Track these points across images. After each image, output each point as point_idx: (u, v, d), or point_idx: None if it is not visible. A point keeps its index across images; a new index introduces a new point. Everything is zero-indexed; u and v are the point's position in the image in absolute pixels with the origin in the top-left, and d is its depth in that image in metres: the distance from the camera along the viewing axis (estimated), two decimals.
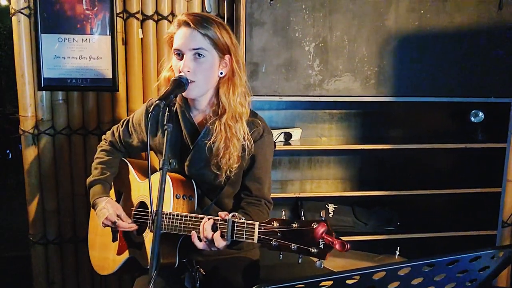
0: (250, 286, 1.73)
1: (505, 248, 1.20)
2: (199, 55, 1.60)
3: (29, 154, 2.56)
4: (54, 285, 2.71)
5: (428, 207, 2.85)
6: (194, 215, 1.57)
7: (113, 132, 1.95)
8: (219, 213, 1.51)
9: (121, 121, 1.95)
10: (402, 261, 1.18)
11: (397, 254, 2.01)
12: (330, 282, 1.09)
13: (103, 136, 1.99)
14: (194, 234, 1.54)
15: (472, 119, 2.71)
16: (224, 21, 2.48)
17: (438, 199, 2.83)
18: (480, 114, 2.69)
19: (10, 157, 6.15)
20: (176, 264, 1.69)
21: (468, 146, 2.62)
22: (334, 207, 2.69)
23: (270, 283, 1.05)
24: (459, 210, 2.85)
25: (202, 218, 1.54)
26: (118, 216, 1.76)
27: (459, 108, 2.76)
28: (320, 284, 1.09)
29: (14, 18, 2.42)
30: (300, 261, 1.35)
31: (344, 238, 2.60)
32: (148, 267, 1.29)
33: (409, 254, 1.99)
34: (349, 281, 1.10)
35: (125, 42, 2.53)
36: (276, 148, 2.37)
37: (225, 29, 1.65)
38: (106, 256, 1.90)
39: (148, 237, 1.73)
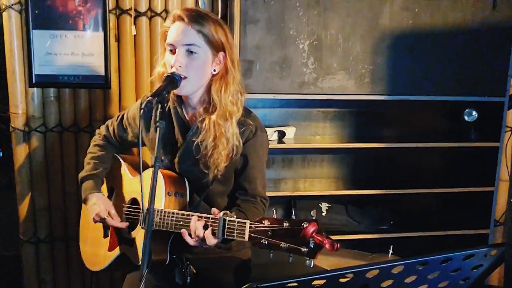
0: (241, 285, 1.72)
1: (498, 247, 1.19)
2: (191, 51, 1.59)
3: (20, 151, 2.53)
4: (45, 284, 2.69)
5: (421, 206, 2.86)
6: (185, 212, 1.56)
7: (107, 126, 1.94)
8: (212, 209, 1.51)
9: (117, 115, 1.93)
10: (396, 259, 1.18)
11: (390, 253, 2.01)
12: (323, 281, 1.08)
13: (97, 130, 1.98)
14: (184, 232, 1.53)
15: (466, 118, 2.71)
16: None
17: (431, 198, 2.83)
18: (474, 113, 2.70)
19: (1, 155, 6.09)
20: (167, 261, 1.68)
21: (461, 145, 2.62)
22: (328, 206, 2.68)
23: (263, 282, 1.04)
24: (452, 209, 2.85)
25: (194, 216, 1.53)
26: (108, 213, 1.74)
27: (453, 107, 2.76)
28: (313, 283, 1.08)
29: (4, 14, 2.39)
30: (291, 260, 1.35)
31: (337, 237, 2.62)
32: (139, 263, 1.28)
33: (402, 252, 1.98)
34: (342, 280, 1.09)
35: (118, 39, 2.51)
36: (269, 147, 2.37)
37: (221, 26, 1.63)
38: (97, 251, 1.89)
39: (139, 234, 1.71)
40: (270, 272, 2.00)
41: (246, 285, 1.06)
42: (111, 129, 1.92)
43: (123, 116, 1.90)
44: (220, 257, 1.79)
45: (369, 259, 1.99)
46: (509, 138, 2.76)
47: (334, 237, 1.31)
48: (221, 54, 1.64)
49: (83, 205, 1.89)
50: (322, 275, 1.08)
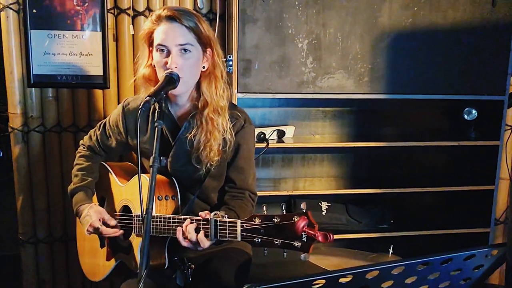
0: (241, 279, 1.72)
1: (499, 247, 1.19)
2: (186, 50, 1.59)
3: (19, 151, 2.52)
4: (44, 284, 2.68)
5: (421, 205, 2.85)
6: (177, 216, 1.56)
7: (90, 136, 1.93)
8: (200, 213, 1.50)
9: (98, 124, 1.93)
10: (396, 260, 1.17)
11: (390, 252, 2.00)
12: (323, 281, 1.07)
13: (81, 142, 1.97)
14: (179, 229, 1.52)
15: (466, 116, 2.70)
16: (216, 17, 2.48)
17: (431, 197, 2.82)
18: (473, 111, 2.69)
19: (1, 155, 6.06)
20: (166, 265, 1.68)
21: (461, 143, 2.61)
22: (328, 205, 2.67)
23: (262, 283, 1.03)
24: (452, 208, 2.85)
25: (186, 219, 1.52)
26: (102, 219, 1.73)
27: (452, 106, 2.75)
28: (313, 284, 1.07)
29: (2, 14, 2.38)
30: (285, 256, 1.35)
31: (337, 236, 2.61)
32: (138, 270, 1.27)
33: (402, 252, 1.98)
34: (342, 280, 1.09)
35: (116, 39, 2.50)
36: (269, 146, 2.37)
37: (205, 22, 1.65)
38: (96, 262, 1.88)
39: (134, 241, 1.70)
40: (270, 270, 1.99)
41: (246, 286, 1.05)
42: (94, 138, 1.91)
43: (105, 124, 1.89)
44: (220, 250, 1.78)
45: (369, 258, 1.98)
46: (509, 136, 2.76)
47: (334, 237, 1.30)
48: (208, 50, 1.66)
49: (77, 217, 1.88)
50: (322, 276, 1.07)
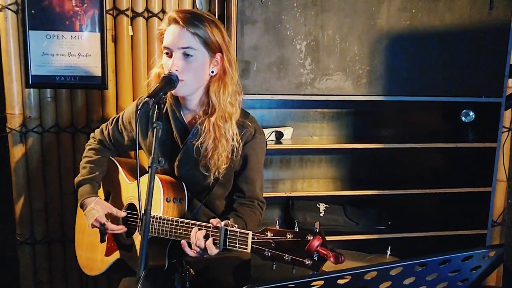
0: (240, 286, 1.72)
1: (497, 248, 1.19)
2: (188, 54, 1.58)
3: (17, 152, 2.52)
4: (41, 285, 2.68)
5: (419, 206, 2.85)
6: (185, 220, 1.55)
7: (102, 130, 1.93)
8: (211, 220, 1.49)
9: (111, 118, 1.92)
10: (394, 260, 1.17)
11: (388, 254, 2.01)
12: (321, 282, 1.07)
13: (92, 134, 1.97)
14: (184, 243, 1.52)
15: (463, 118, 2.71)
16: None
17: (429, 198, 2.83)
18: (471, 113, 2.70)
19: None
20: (166, 266, 1.67)
21: (458, 145, 2.62)
22: (325, 207, 2.68)
23: (261, 283, 1.03)
24: (449, 210, 2.85)
25: (194, 224, 1.52)
26: (109, 214, 1.73)
27: (450, 108, 2.76)
28: (311, 284, 1.07)
29: (1, 14, 2.38)
30: (294, 272, 1.34)
31: (335, 238, 2.60)
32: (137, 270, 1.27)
33: (400, 253, 1.98)
34: (340, 281, 1.09)
35: (115, 40, 2.50)
36: (267, 147, 2.37)
37: (217, 27, 1.63)
38: (94, 257, 1.88)
39: (137, 239, 1.70)
40: (270, 272, 1.99)
41: (245, 287, 1.05)
42: (105, 133, 1.90)
43: (118, 119, 1.88)
44: (220, 257, 1.78)
45: (367, 260, 1.99)
46: (506, 138, 2.77)
47: (332, 238, 1.31)
48: (218, 55, 1.63)
49: (78, 208, 1.88)
50: (320, 277, 1.07)
